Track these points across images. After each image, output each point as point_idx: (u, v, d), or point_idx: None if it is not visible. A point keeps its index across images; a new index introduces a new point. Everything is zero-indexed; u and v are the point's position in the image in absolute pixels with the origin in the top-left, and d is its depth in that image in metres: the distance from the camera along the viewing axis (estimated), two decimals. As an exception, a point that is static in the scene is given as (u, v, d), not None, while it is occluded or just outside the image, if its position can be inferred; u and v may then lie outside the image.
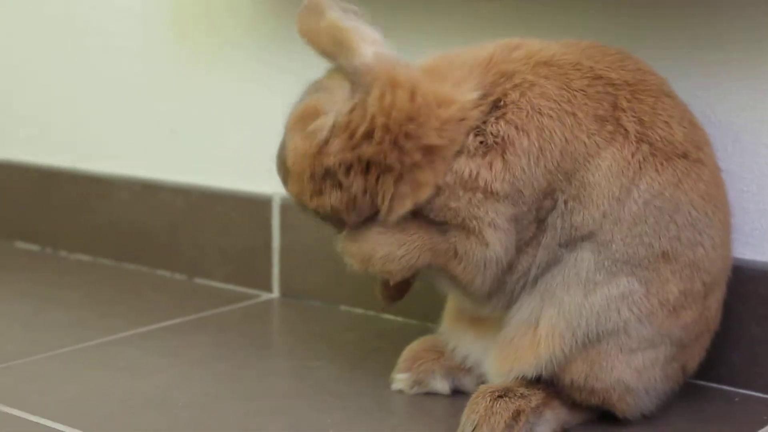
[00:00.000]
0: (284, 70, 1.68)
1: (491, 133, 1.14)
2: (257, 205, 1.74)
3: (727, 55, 1.33)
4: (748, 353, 1.33)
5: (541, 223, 1.16)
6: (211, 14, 1.78)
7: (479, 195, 1.13)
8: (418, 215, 1.17)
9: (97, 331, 1.54)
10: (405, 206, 1.15)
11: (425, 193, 1.15)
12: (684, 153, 1.17)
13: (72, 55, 1.97)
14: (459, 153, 1.14)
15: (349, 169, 1.15)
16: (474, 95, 1.15)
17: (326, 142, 1.15)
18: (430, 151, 1.14)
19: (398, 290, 1.29)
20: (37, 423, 1.22)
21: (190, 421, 1.23)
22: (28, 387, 1.33)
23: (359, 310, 1.65)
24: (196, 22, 1.80)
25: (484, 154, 1.13)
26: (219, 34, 1.77)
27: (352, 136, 1.14)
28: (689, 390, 1.31)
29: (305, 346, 1.49)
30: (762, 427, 1.24)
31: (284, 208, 1.70)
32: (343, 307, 1.67)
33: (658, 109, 1.17)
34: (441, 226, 1.16)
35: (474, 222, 1.14)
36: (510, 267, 1.17)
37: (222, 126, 1.79)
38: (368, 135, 1.14)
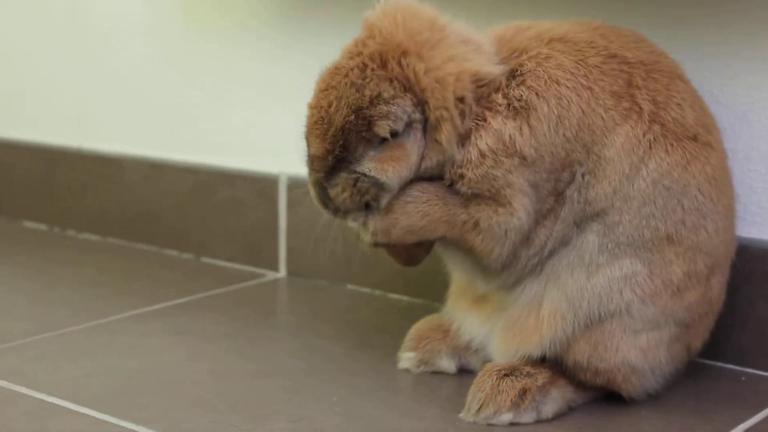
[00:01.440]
0: (292, 49, 1.68)
1: (515, 97, 1.13)
2: (264, 184, 1.74)
3: (735, 35, 1.33)
4: (755, 332, 1.33)
5: (559, 196, 1.16)
6: (218, -7, 1.78)
7: (516, 160, 1.13)
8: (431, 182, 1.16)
9: (105, 311, 1.54)
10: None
11: None
12: (694, 135, 1.17)
13: (80, 35, 1.97)
14: (494, 111, 1.13)
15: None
16: (501, 68, 1.15)
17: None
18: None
19: (413, 255, 1.24)
20: (45, 401, 1.23)
21: (198, 399, 1.24)
22: (37, 365, 1.34)
23: (366, 289, 1.65)
24: (204, 2, 1.80)
25: (514, 117, 1.13)
26: (227, 14, 1.77)
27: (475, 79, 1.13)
28: (696, 369, 1.32)
29: (312, 325, 1.50)
30: (768, 406, 1.24)
31: (291, 187, 1.70)
32: (349, 286, 1.67)
33: (672, 91, 1.17)
34: (463, 198, 1.15)
35: (507, 191, 1.13)
36: (527, 239, 1.17)
37: (229, 105, 1.79)
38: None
